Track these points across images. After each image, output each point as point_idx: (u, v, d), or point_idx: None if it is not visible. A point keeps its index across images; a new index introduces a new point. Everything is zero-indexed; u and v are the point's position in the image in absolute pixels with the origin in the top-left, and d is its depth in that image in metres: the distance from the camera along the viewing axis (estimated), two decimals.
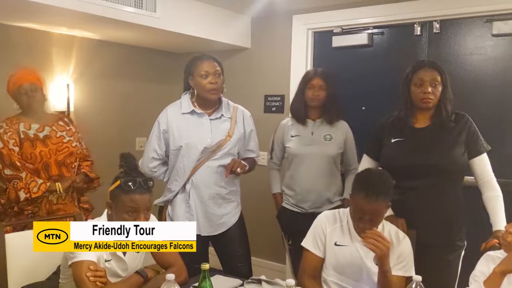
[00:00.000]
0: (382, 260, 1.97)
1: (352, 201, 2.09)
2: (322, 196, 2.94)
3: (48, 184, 2.75)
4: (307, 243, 2.21)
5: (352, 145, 3.01)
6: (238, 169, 2.52)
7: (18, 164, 2.70)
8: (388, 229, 2.16)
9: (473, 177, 2.43)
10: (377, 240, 1.96)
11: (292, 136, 3.02)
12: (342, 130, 2.99)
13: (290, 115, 3.15)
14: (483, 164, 2.38)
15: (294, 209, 3.01)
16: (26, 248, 2.22)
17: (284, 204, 3.08)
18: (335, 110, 2.96)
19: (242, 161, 2.61)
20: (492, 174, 2.38)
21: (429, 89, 2.34)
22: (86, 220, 2.82)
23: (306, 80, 2.99)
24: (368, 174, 2.20)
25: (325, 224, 2.19)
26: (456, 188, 2.41)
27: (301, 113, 3.00)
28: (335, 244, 2.15)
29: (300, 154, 2.98)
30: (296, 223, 2.94)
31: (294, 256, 3.09)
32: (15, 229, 2.57)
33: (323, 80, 2.93)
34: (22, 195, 2.68)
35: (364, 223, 2.03)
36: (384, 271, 1.98)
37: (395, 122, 2.50)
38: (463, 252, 2.42)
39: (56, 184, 2.79)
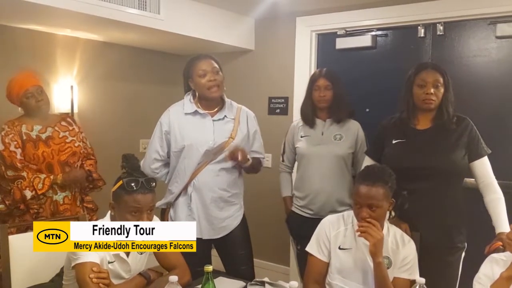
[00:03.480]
0: (374, 249, 1.97)
1: (353, 193, 2.12)
2: (332, 198, 2.86)
3: (51, 177, 2.77)
4: (311, 248, 2.21)
5: (363, 146, 2.92)
6: (239, 154, 2.49)
7: (19, 165, 2.72)
8: (393, 232, 2.16)
9: (473, 179, 2.42)
10: (370, 227, 1.98)
11: (302, 137, 2.98)
12: (354, 130, 2.93)
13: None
14: (484, 167, 2.38)
15: (303, 213, 2.95)
16: (29, 250, 2.20)
17: (293, 208, 3.02)
18: (343, 109, 2.91)
19: (247, 154, 2.58)
20: (493, 177, 2.38)
21: (432, 90, 2.34)
22: (90, 220, 2.84)
23: (312, 82, 2.96)
24: (368, 166, 2.31)
25: (328, 229, 2.19)
26: (456, 190, 2.40)
27: (309, 115, 2.96)
28: (339, 248, 2.15)
29: (309, 154, 2.92)
30: (305, 228, 2.88)
31: (301, 261, 3.06)
32: (19, 230, 2.58)
33: (328, 80, 2.88)
34: (28, 193, 2.71)
35: (363, 212, 2.03)
36: (377, 263, 1.98)
37: (396, 123, 2.51)
38: (463, 254, 2.42)
39: (58, 176, 2.81)
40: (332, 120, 2.94)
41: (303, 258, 2.83)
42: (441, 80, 2.36)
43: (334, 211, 2.74)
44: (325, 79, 2.89)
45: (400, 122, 2.48)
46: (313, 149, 2.92)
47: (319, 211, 2.88)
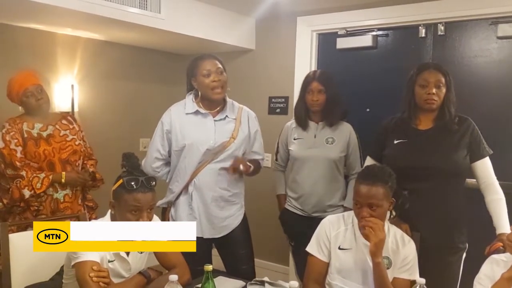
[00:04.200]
0: (375, 248, 1.97)
1: (353, 192, 2.12)
2: (323, 200, 2.89)
3: (50, 177, 2.76)
4: (312, 248, 2.21)
5: (355, 148, 2.94)
6: (241, 166, 2.51)
7: (18, 164, 2.72)
8: (393, 232, 2.16)
9: (474, 180, 2.42)
10: (373, 226, 1.98)
11: (295, 139, 2.99)
12: (346, 133, 2.93)
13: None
14: (485, 167, 2.38)
15: (296, 211, 2.98)
16: (29, 248, 2.20)
17: (286, 206, 3.05)
18: (335, 112, 2.91)
19: (247, 162, 2.60)
20: (495, 178, 2.38)
21: (433, 90, 2.34)
22: (90, 218, 2.84)
23: (305, 85, 2.94)
24: (368, 166, 2.33)
25: (329, 229, 2.19)
26: (457, 190, 2.41)
27: (302, 117, 2.96)
28: (339, 248, 2.15)
29: (301, 157, 2.93)
30: (298, 226, 2.94)
31: (297, 257, 3.09)
32: (19, 228, 2.58)
33: (321, 84, 2.86)
34: (27, 192, 2.70)
35: (363, 212, 2.03)
36: (376, 263, 1.98)
37: (398, 124, 2.51)
38: (464, 254, 2.42)
39: (62, 173, 2.81)
40: (324, 123, 2.94)
41: (298, 254, 2.86)
42: (443, 80, 2.36)
43: (325, 212, 2.81)
44: (318, 83, 2.87)
45: (402, 122, 2.49)
46: (305, 153, 2.93)
47: (312, 211, 2.92)
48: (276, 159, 3.16)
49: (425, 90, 2.36)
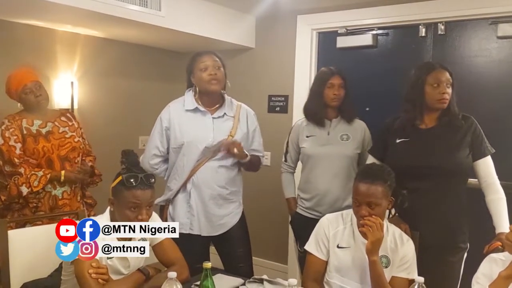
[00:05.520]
0: (371, 246, 1.98)
1: (353, 191, 2.13)
2: (340, 201, 2.79)
3: (48, 176, 2.76)
4: (310, 246, 2.22)
5: (370, 146, 2.83)
6: (235, 149, 2.49)
7: (16, 161, 2.72)
8: (392, 230, 2.16)
9: (476, 179, 2.42)
10: (371, 225, 1.99)
11: (307, 137, 2.89)
12: (361, 130, 2.87)
13: (304, 116, 2.99)
14: (487, 166, 2.38)
15: (308, 215, 2.87)
16: (28, 245, 2.23)
17: (298, 210, 2.94)
18: (352, 108, 2.87)
19: (244, 150, 2.57)
20: (496, 177, 2.37)
21: (447, 90, 2.35)
22: (89, 215, 2.84)
23: (324, 80, 2.85)
24: (367, 164, 2.35)
25: (327, 227, 2.20)
26: (459, 190, 2.40)
27: (319, 114, 2.86)
28: (338, 247, 2.16)
29: (315, 155, 2.84)
30: (310, 230, 2.83)
31: (304, 262, 3.03)
32: (18, 224, 2.59)
33: (342, 78, 2.83)
34: (25, 189, 2.70)
35: (362, 210, 2.04)
36: (372, 261, 1.99)
37: (400, 123, 2.50)
38: (465, 254, 2.42)
39: (61, 172, 2.81)
40: (339, 119, 2.88)
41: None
42: (450, 79, 2.37)
43: None
44: (340, 77, 2.83)
45: (405, 121, 2.47)
46: (320, 150, 2.84)
47: (326, 212, 2.81)
48: (285, 160, 3.04)
49: (438, 90, 2.35)
